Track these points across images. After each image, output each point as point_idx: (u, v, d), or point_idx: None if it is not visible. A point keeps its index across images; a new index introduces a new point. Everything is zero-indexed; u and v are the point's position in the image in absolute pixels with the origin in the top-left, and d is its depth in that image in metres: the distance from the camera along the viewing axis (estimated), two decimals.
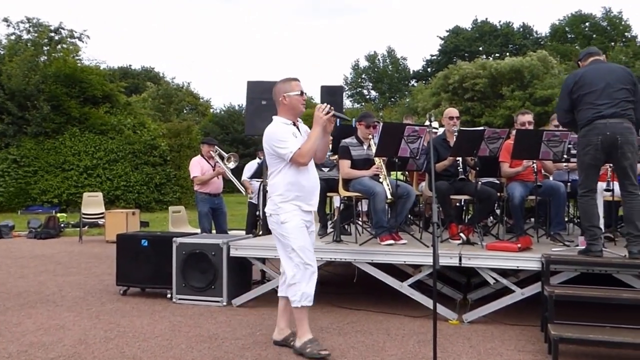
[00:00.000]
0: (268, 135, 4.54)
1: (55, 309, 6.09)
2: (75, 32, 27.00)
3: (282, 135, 4.46)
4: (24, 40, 25.66)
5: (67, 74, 24.22)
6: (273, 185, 4.59)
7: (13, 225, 13.96)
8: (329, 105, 4.50)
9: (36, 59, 24.39)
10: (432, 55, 53.46)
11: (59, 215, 15.27)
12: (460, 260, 5.42)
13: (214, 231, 8.79)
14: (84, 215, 13.36)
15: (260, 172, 8.07)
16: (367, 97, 61.67)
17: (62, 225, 14.24)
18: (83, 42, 27.31)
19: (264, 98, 7.61)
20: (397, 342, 4.86)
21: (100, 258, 9.86)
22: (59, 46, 26.34)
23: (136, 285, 6.82)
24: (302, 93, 4.60)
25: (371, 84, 61.91)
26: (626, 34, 48.70)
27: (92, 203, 13.89)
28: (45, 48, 25.57)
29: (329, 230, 6.83)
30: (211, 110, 52.63)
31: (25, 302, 6.41)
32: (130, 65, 52.02)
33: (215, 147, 9.04)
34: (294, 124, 4.63)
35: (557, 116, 5.64)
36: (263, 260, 6.51)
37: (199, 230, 8.71)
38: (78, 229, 13.22)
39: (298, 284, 4.42)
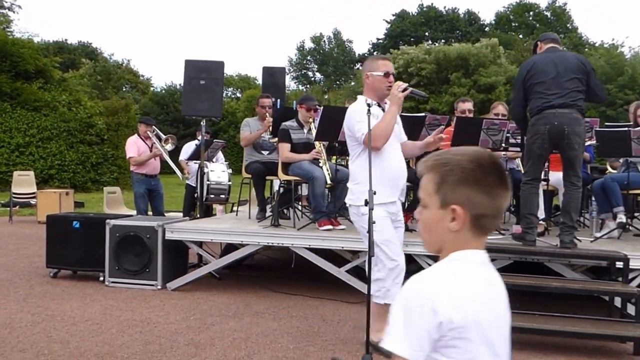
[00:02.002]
0: (347, 115, 4.28)
1: None
2: (6, 1, 25.75)
3: (359, 116, 4.14)
4: None
5: None
6: (352, 172, 4.32)
7: None
8: (405, 84, 4.23)
9: None
10: (378, 39, 53.65)
11: None
12: None
13: (150, 213, 8.60)
14: (14, 195, 12.81)
15: (198, 154, 7.92)
16: (312, 79, 61.51)
17: None
18: (15, 12, 26.08)
19: (202, 78, 7.47)
20: (332, 327, 4.89)
21: (31, 239, 9.50)
22: None
23: (67, 267, 6.60)
24: (387, 74, 4.24)
25: (316, 66, 61.74)
26: (568, 25, 50.28)
27: (23, 182, 13.32)
28: None
29: (268, 214, 6.78)
30: (152, 89, 51.39)
31: None
32: (66, 40, 50.08)
33: (153, 127, 8.80)
34: (379, 105, 4.30)
35: (512, 112, 5.69)
36: (200, 244, 6.41)
37: (134, 212, 8.50)
38: (8, 208, 12.69)
39: (382, 280, 4.13)
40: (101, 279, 6.29)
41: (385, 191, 4.09)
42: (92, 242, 6.33)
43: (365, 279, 4.07)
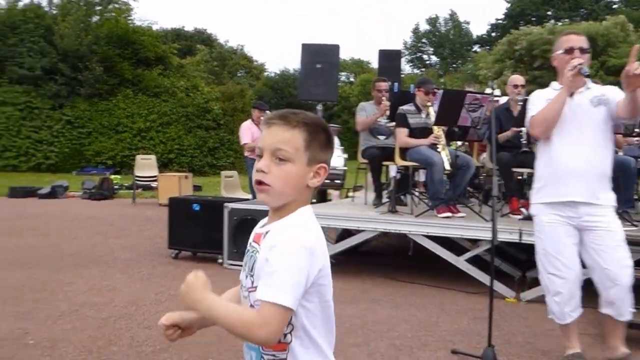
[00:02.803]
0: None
1: (107, 270, 6.13)
2: None
3: (532, 101, 3.71)
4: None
5: (120, 35, 24.31)
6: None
7: (67, 185, 14.23)
8: (579, 60, 3.47)
9: (88, 19, 24.45)
10: (497, 20, 51.38)
11: (112, 177, 15.47)
12: (520, 236, 5.14)
13: None
14: (137, 178, 13.48)
15: None
16: (427, 62, 60.10)
17: (116, 187, 14.47)
18: (135, 0, 27.26)
19: (318, 61, 7.41)
20: (450, 318, 4.69)
21: (152, 221, 9.94)
22: (111, 6, 26.29)
23: (187, 249, 6.81)
24: (569, 50, 3.53)
25: (432, 49, 60.27)
26: None
27: (146, 166, 13.99)
28: (97, 8, 25.60)
29: (384, 200, 6.62)
30: (265, 74, 52.54)
31: (78, 262, 6.47)
32: (182, 27, 52.12)
33: (267, 112, 8.86)
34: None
35: None
36: None
37: (250, 196, 8.64)
38: (131, 191, 13.41)
39: (546, 294, 3.72)
40: (219, 261, 6.42)
41: (552, 188, 3.56)
42: (211, 225, 6.47)
43: (487, 269, 3.82)
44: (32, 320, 4.36)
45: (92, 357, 3.68)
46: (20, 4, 24.72)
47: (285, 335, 1.41)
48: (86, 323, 4.32)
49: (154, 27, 30.43)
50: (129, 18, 26.60)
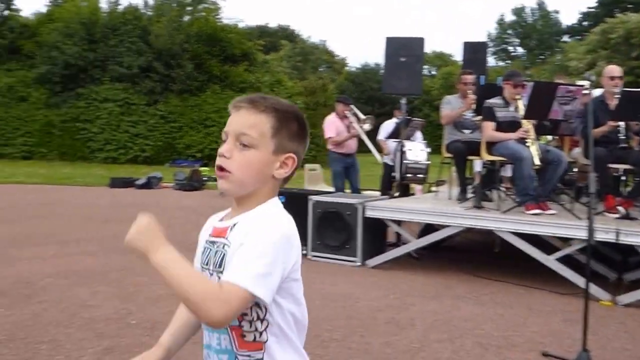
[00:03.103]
0: None
1: None
2: None
3: None
4: (169, 0, 26.91)
5: (209, 33, 25.19)
6: None
7: (161, 177, 14.93)
8: None
9: (180, 19, 25.55)
10: (589, 8, 48.96)
11: (201, 169, 16.06)
12: (617, 236, 4.93)
13: (347, 191, 8.77)
14: None
15: (398, 132, 7.88)
16: (513, 54, 58.30)
17: (205, 178, 14.99)
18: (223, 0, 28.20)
19: (402, 55, 7.38)
20: (540, 319, 4.57)
21: None
22: (201, 6, 27.30)
23: None
24: None
25: (518, 40, 58.34)
26: None
27: None
28: (188, 8, 26.64)
29: (469, 195, 6.53)
30: (346, 68, 52.69)
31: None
32: (267, 24, 53.22)
33: (351, 106, 8.91)
34: None
35: None
36: (399, 223, 6.38)
37: (334, 189, 8.73)
38: (216, 182, 13.82)
39: None
40: (304, 252, 6.51)
41: None
42: (295, 217, 6.47)
43: (579, 269, 3.71)
44: (134, 302, 4.64)
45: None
46: (120, 7, 26.12)
47: (260, 333, 1.30)
48: None
49: (240, 25, 31.22)
50: (218, 17, 27.46)
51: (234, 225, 1.34)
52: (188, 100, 24.21)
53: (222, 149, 1.36)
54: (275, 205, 1.40)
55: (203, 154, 23.18)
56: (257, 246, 1.23)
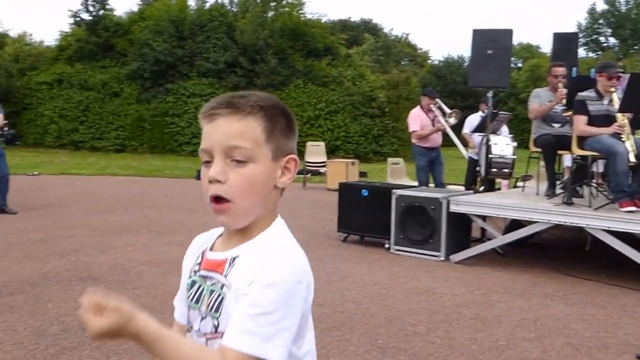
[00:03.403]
0: None
1: None
2: None
3: None
4: None
5: (292, 28, 25.51)
6: None
7: None
8: None
9: (264, 15, 26.04)
10: None
11: None
12: None
13: (431, 185, 8.70)
14: (307, 163, 14.10)
15: (483, 126, 7.72)
16: (605, 45, 55.53)
17: None
18: None
19: (490, 47, 7.22)
20: (634, 320, 4.39)
21: (321, 204, 10.37)
22: (285, 1, 27.68)
23: (356, 233, 7.04)
24: None
25: (610, 30, 55.50)
26: None
27: (315, 152, 14.58)
28: (272, 4, 27.11)
29: (558, 191, 6.32)
30: (429, 61, 51.94)
31: None
32: (349, 18, 53.23)
33: (437, 100, 8.82)
34: None
35: None
36: (484, 218, 6.28)
37: (416, 183, 8.68)
38: (302, 175, 14.06)
39: None
40: (386, 246, 6.57)
41: None
42: (379, 210, 6.63)
43: None
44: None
45: None
46: (207, 4, 26.98)
47: None
48: None
49: (323, 19, 31.42)
50: (301, 12, 27.76)
51: (234, 259, 1.10)
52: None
53: (212, 173, 1.08)
54: (280, 229, 1.15)
55: None
56: (267, 298, 1.00)
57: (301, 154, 18.39)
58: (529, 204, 5.82)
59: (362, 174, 14.24)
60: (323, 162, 13.98)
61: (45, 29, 71.07)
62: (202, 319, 1.12)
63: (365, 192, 6.86)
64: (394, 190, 6.49)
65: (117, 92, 25.70)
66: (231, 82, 24.50)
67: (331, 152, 22.41)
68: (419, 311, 4.44)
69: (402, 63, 48.85)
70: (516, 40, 49.50)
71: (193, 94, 24.58)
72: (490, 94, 7.57)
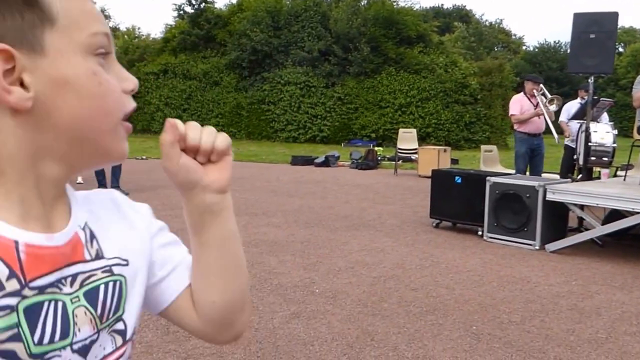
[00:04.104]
0: None
1: (376, 233, 6.68)
2: None
3: None
4: None
5: (385, 16, 25.43)
6: None
7: (338, 155, 15.61)
8: None
9: (358, 4, 26.18)
10: None
11: (376, 149, 16.48)
12: None
13: (527, 173, 8.53)
14: (399, 150, 14.14)
15: (583, 113, 7.48)
16: None
17: (379, 158, 15.36)
18: None
19: (592, 31, 6.97)
20: None
21: (413, 191, 10.40)
22: None
23: (448, 219, 7.06)
24: None
25: None
26: None
27: (407, 139, 14.58)
28: None
29: None
30: (524, 47, 50.15)
31: (350, 224, 7.15)
32: (441, 5, 52.31)
33: (540, 85, 8.65)
34: None
35: None
36: (582, 207, 6.12)
37: (511, 171, 8.55)
38: (393, 162, 14.12)
39: None
40: (479, 233, 6.55)
41: None
42: (472, 198, 6.62)
43: None
44: (317, 272, 5.02)
45: (367, 310, 4.12)
46: None
47: None
48: (360, 280, 4.84)
49: (416, 7, 31.12)
50: (393, 0, 27.62)
51: (86, 229, 0.70)
52: (364, 83, 24.79)
53: (135, 81, 0.73)
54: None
55: (377, 135, 23.70)
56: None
57: (393, 140, 18.48)
58: (631, 194, 5.62)
59: (454, 161, 14.11)
60: (415, 149, 13.96)
61: (152, 22, 74.56)
62: (85, 352, 0.66)
63: (458, 179, 6.86)
64: (488, 178, 6.45)
65: (217, 81, 26.80)
66: (325, 70, 24.89)
67: (422, 139, 22.25)
68: (513, 299, 4.44)
69: (495, 49, 47.47)
70: (619, 23, 46.90)
71: (288, 82, 25.24)
72: (591, 80, 7.32)
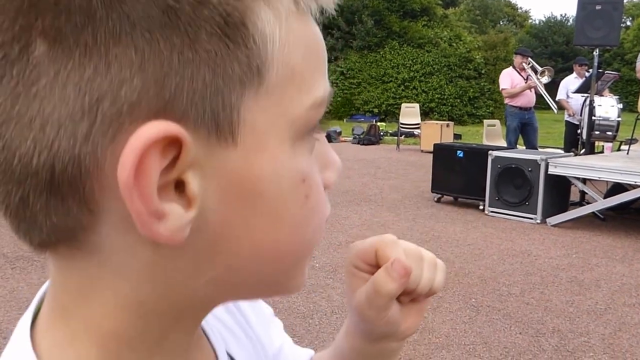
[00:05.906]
0: None
1: (377, 208, 6.68)
2: None
3: None
4: None
5: None
6: None
7: (340, 131, 15.51)
8: None
9: None
10: None
11: (379, 124, 16.41)
12: None
13: (519, 147, 8.51)
14: (401, 125, 14.08)
15: (587, 86, 7.41)
16: None
17: (382, 133, 15.30)
18: None
19: (598, 2, 6.88)
20: None
21: (415, 166, 10.37)
22: None
23: (450, 194, 7.04)
24: None
25: None
26: None
27: (409, 114, 14.51)
28: None
29: None
30: (529, 21, 49.66)
31: (352, 199, 7.14)
32: None
33: (529, 58, 8.59)
34: None
35: None
36: (584, 181, 6.10)
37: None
38: (396, 137, 14.06)
39: None
40: (481, 207, 6.54)
41: None
42: (474, 172, 6.59)
43: None
44: (317, 246, 5.01)
45: None
46: None
47: None
48: None
49: None
50: None
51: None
52: (367, 57, 24.59)
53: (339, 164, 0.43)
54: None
55: (380, 110, 23.54)
56: None
57: (396, 115, 18.41)
58: (634, 168, 5.59)
59: (457, 137, 14.04)
60: (417, 124, 13.91)
61: None
62: None
63: (460, 153, 6.83)
64: (490, 152, 6.41)
65: None
66: (328, 44, 24.53)
67: (425, 114, 22.15)
68: (513, 272, 4.45)
69: (501, 23, 47.01)
70: None
71: None
72: (596, 53, 7.23)
